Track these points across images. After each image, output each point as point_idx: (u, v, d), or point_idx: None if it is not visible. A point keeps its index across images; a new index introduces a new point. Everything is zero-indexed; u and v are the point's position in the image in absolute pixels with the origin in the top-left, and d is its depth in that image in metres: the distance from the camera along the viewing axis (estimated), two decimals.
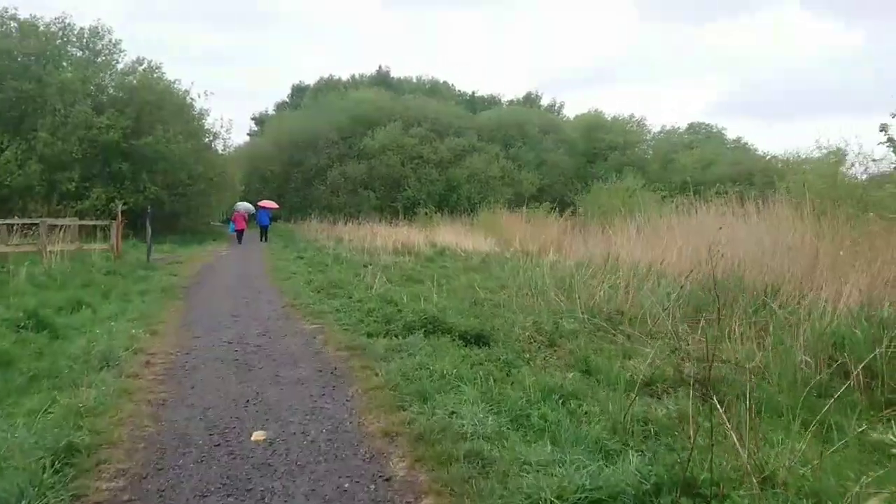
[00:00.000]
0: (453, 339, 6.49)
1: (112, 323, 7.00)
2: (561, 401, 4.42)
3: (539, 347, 6.83)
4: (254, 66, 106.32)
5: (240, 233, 25.97)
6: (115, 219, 15.27)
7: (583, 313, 8.22)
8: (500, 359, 5.74)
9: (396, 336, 6.61)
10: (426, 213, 28.49)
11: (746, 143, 48.75)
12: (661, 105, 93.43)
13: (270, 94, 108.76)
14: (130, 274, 11.85)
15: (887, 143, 11.24)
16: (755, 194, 13.28)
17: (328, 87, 50.28)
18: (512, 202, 32.95)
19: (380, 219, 29.29)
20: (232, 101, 79.46)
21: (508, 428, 3.81)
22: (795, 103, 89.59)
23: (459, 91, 56.44)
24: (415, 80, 55.09)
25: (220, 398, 4.51)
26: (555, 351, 6.76)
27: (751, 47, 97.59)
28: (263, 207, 29.10)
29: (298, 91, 55.30)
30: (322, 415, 4.16)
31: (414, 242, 19.33)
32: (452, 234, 22.58)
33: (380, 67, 55.74)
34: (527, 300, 9.59)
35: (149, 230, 15.46)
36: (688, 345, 6.99)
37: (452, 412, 4.03)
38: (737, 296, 8.45)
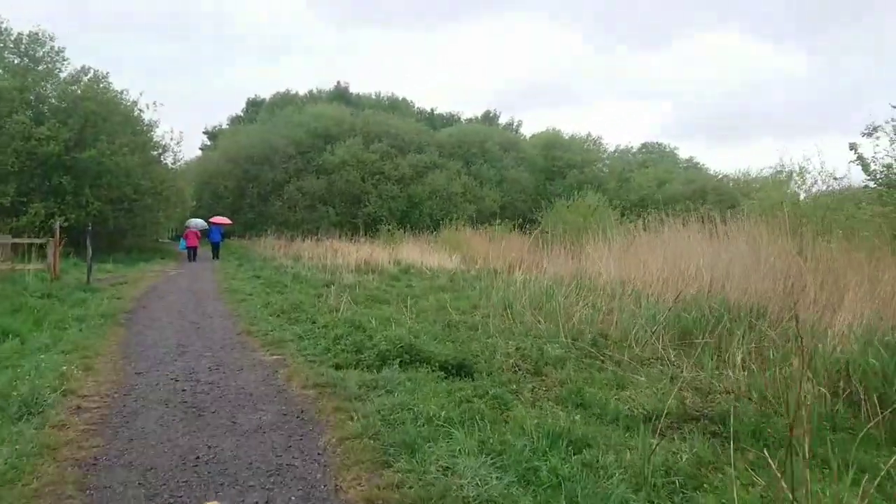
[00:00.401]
0: (433, 371, 5.87)
1: (41, 356, 6.10)
2: (569, 448, 3.83)
3: (525, 377, 6.27)
4: (206, 80, 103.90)
5: (192, 250, 24.74)
6: (53, 236, 14.05)
7: (566, 337, 7.73)
8: (487, 393, 5.14)
9: (370, 368, 5.94)
10: (389, 230, 27.80)
11: (698, 163, 50.06)
12: (610, 127, 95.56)
13: (224, 109, 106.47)
14: (68, 297, 10.77)
15: (857, 162, 11.28)
16: (720, 212, 13.20)
17: (284, 101, 49.12)
18: (474, 219, 32.64)
19: (339, 235, 28.45)
20: (184, 114, 77.32)
21: (517, 488, 3.20)
22: (736, 125, 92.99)
23: (419, 108, 56.15)
24: (374, 97, 54.48)
25: (165, 454, 3.75)
26: (542, 380, 6.20)
27: (693, 71, 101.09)
28: (215, 223, 28.10)
29: (253, 105, 54.01)
30: (290, 475, 3.46)
31: (377, 260, 18.61)
32: (416, 252, 21.96)
33: (338, 83, 54.98)
34: (503, 322, 9.05)
35: (89, 249, 14.29)
36: (681, 371, 6.57)
37: (447, 468, 3.40)
38: (721, 316, 8.12)
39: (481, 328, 8.65)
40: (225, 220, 30.62)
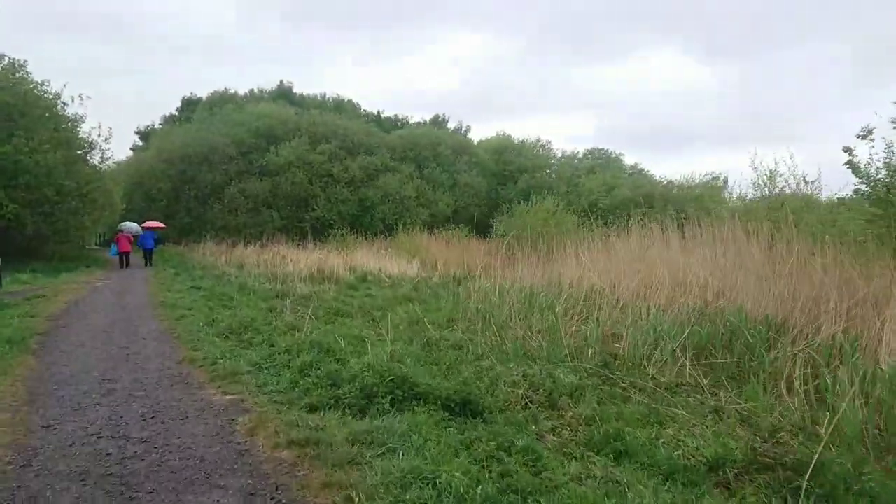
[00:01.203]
0: (434, 411, 4.71)
1: None
2: None
3: (539, 412, 5.19)
4: (139, 80, 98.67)
5: (123, 255, 22.65)
6: None
7: (572, 358, 6.71)
8: (514, 445, 4.02)
9: (353, 409, 4.72)
10: (342, 235, 26.32)
11: (643, 169, 50.62)
12: (552, 136, 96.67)
13: (157, 109, 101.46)
14: None
15: (847, 165, 10.82)
16: (672, 218, 12.69)
17: (223, 100, 46.52)
18: (428, 223, 31.57)
19: (286, 241, 26.79)
20: (115, 118, 72.61)
21: None
22: (672, 136, 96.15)
23: (365, 111, 54.49)
24: (319, 98, 52.46)
25: None
26: (561, 416, 5.14)
27: (633, 85, 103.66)
28: (148, 228, 26.40)
29: (189, 104, 50.92)
30: None
31: (331, 267, 17.21)
32: (371, 258, 20.65)
33: (281, 82, 52.70)
34: (489, 338, 7.95)
35: None
36: (721, 401, 5.63)
37: None
38: (735, 330, 7.30)
39: (467, 347, 7.54)
40: (158, 224, 28.72)
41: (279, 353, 6.59)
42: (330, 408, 4.76)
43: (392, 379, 5.05)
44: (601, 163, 46.79)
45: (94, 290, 14.60)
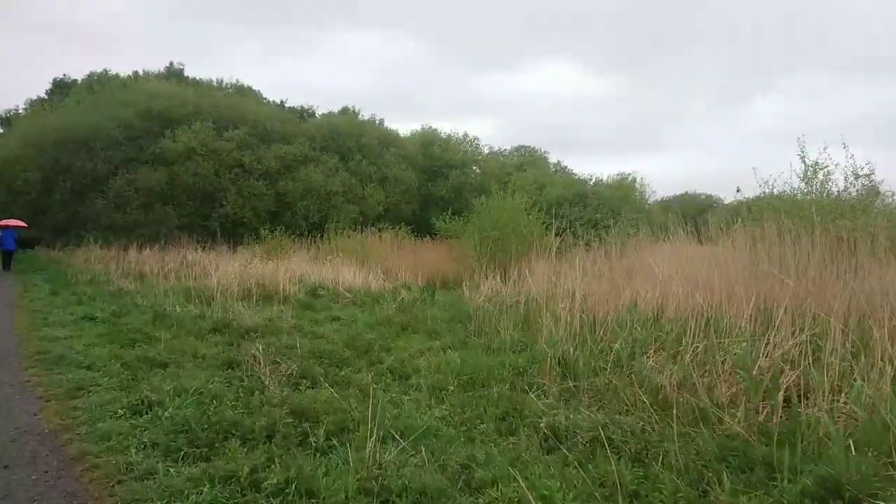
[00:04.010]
0: None
1: None
2: None
3: None
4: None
5: None
6: None
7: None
8: None
9: None
10: (271, 236, 22.08)
11: (566, 167, 49.55)
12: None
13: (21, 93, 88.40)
14: None
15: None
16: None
17: (103, 82, 39.66)
18: (359, 222, 27.91)
19: (193, 243, 22.25)
20: None
21: None
22: (561, 143, 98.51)
23: (268, 100, 48.99)
24: (216, 83, 46.15)
25: None
26: None
27: (528, 93, 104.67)
28: (7, 227, 22.11)
29: (61, 87, 43.15)
30: None
31: (269, 279, 13.32)
32: (311, 265, 16.86)
33: (171, 64, 45.85)
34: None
35: None
36: None
37: None
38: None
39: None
40: (19, 222, 23.54)
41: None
42: None
43: None
44: (530, 160, 45.09)
45: None
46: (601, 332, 6.63)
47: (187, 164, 27.85)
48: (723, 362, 5.24)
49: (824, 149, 11.23)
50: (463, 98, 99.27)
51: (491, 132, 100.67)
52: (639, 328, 6.50)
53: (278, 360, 6.04)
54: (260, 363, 5.78)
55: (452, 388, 5.78)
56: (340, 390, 5.46)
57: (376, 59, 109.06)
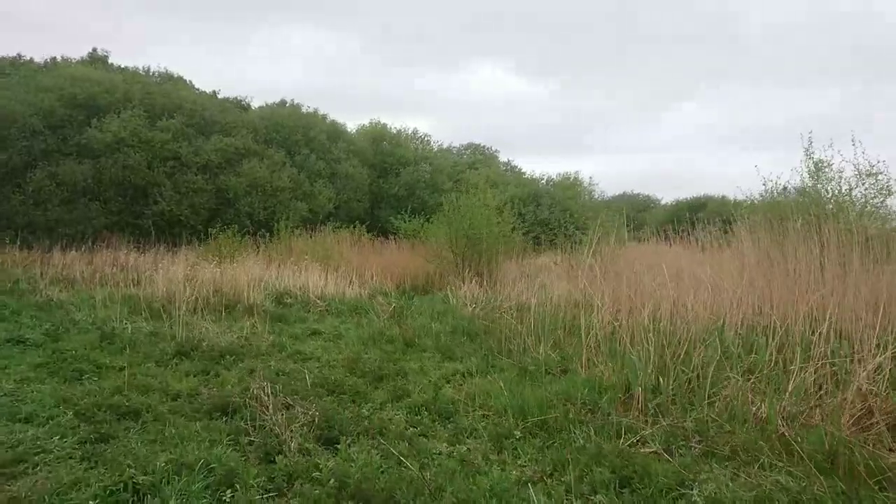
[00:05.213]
0: None
1: None
2: None
3: None
4: None
5: None
6: None
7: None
8: None
9: None
10: (222, 236, 19.99)
11: (516, 166, 49.09)
12: None
13: None
14: None
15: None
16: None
17: (13, 68, 35.70)
18: (308, 220, 26.15)
19: (125, 243, 20.00)
20: None
21: None
22: (497, 144, 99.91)
23: (199, 90, 45.69)
24: (143, 71, 42.58)
25: None
26: None
27: (464, 94, 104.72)
28: None
29: None
30: None
31: (230, 285, 11.63)
32: (266, 267, 15.16)
33: (94, 50, 41.97)
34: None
35: None
36: None
37: None
38: None
39: None
40: None
41: None
42: None
43: None
44: (481, 158, 44.28)
45: None
46: (675, 351, 5.58)
47: (116, 156, 25.20)
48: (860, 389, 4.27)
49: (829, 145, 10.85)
50: (399, 95, 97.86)
51: (427, 130, 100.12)
52: (720, 345, 5.49)
53: (290, 401, 4.63)
54: (269, 409, 4.35)
55: (519, 433, 4.56)
56: (378, 443, 4.16)
57: (313, 54, 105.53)
